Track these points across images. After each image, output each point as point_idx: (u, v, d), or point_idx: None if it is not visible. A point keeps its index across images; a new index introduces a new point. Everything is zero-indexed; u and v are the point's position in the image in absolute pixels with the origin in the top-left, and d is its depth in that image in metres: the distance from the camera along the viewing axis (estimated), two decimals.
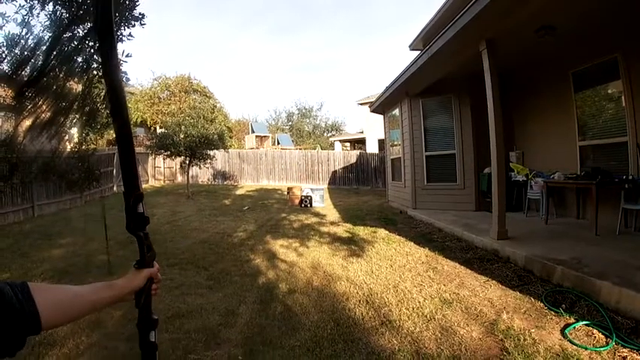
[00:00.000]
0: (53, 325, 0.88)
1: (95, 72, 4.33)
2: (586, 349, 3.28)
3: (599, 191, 6.28)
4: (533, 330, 3.70)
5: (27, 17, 3.75)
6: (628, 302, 3.79)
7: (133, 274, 1.09)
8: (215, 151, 17.78)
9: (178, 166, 20.45)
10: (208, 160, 16.92)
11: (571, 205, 8.02)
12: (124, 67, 4.59)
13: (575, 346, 3.34)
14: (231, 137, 28.95)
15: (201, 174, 22.96)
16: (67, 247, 7.57)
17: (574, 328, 3.66)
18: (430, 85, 9.96)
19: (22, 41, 3.84)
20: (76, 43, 4.06)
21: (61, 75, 4.00)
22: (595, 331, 3.55)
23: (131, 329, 3.87)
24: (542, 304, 4.25)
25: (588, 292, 4.26)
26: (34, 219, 10.69)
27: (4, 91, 4.05)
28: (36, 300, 0.82)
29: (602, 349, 3.25)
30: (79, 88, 4.35)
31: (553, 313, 4.02)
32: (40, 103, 3.86)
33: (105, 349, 3.53)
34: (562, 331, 3.62)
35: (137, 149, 17.89)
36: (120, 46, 4.49)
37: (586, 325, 3.68)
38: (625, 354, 3.13)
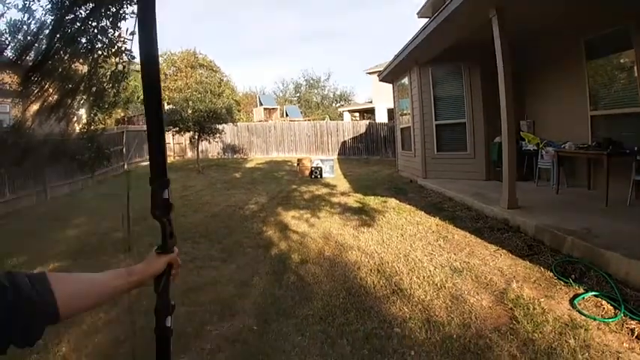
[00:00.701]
0: (72, 313, 0.90)
1: (100, 52, 4.33)
2: (594, 319, 3.32)
3: (610, 162, 6.21)
4: (542, 299, 3.75)
5: (28, 2, 3.74)
6: (637, 274, 3.81)
7: (154, 259, 1.09)
8: (224, 125, 17.78)
9: (188, 142, 20.46)
10: (217, 135, 16.96)
11: (582, 176, 7.97)
12: (128, 46, 4.57)
13: (583, 317, 3.39)
14: (239, 111, 28.85)
15: (211, 148, 22.97)
16: (81, 227, 7.70)
17: (583, 298, 3.70)
18: (439, 53, 9.79)
19: (24, 27, 3.84)
20: (79, 24, 4.05)
21: (66, 57, 4.00)
22: (604, 302, 3.58)
23: (148, 305, 3.98)
24: (551, 274, 4.29)
25: (598, 263, 4.28)
26: (48, 201, 10.81)
27: (10, 77, 4.07)
28: (54, 290, 0.83)
29: (610, 320, 3.29)
30: (85, 69, 4.35)
31: (562, 283, 4.06)
32: (46, 86, 3.88)
33: (123, 323, 3.64)
34: (571, 301, 3.67)
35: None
36: (123, 25, 4.47)
37: (595, 295, 3.71)
38: (633, 326, 3.17)
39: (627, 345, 2.95)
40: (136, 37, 3.76)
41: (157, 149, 1.05)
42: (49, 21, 3.93)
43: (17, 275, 0.81)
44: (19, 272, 0.83)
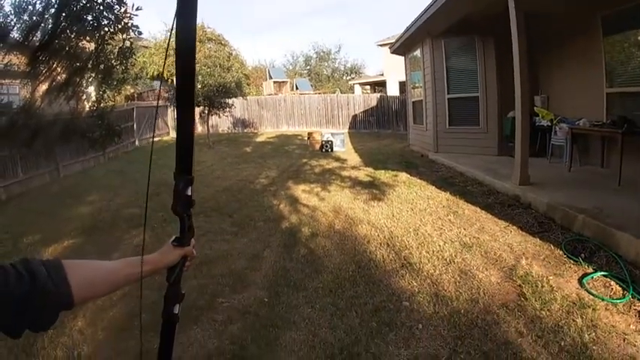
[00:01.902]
0: (85, 300, 0.93)
1: (106, 29, 4.31)
2: (602, 299, 3.33)
3: (624, 141, 6.11)
4: (551, 277, 3.76)
5: None
6: None
7: (169, 250, 1.10)
8: (233, 99, 17.70)
9: (198, 117, 20.43)
10: (227, 109, 16.89)
11: (595, 153, 7.86)
12: (134, 21, 4.55)
13: (591, 296, 3.40)
14: (248, 84, 28.58)
15: (221, 123, 22.88)
16: (93, 204, 7.80)
17: (592, 278, 3.70)
18: (453, 25, 9.57)
19: (29, 7, 3.83)
20: (84, 2, 4.02)
21: (72, 36, 3.98)
22: (612, 282, 3.58)
23: (160, 280, 4.06)
24: (561, 252, 4.29)
25: (608, 243, 4.26)
26: (60, 179, 10.90)
27: (18, 58, 4.06)
28: (69, 278, 0.85)
29: (618, 301, 3.29)
30: (92, 47, 4.34)
31: (572, 261, 4.06)
32: (54, 66, 3.87)
33: (137, 297, 3.72)
34: (580, 280, 3.68)
35: (156, 102, 17.61)
36: (129, 0, 4.44)
37: (604, 275, 3.71)
38: None
39: (634, 327, 2.96)
40: (141, 12, 3.70)
41: (186, 146, 1.03)
42: (54, 0, 3.91)
43: (33, 262, 0.83)
44: (35, 259, 0.85)
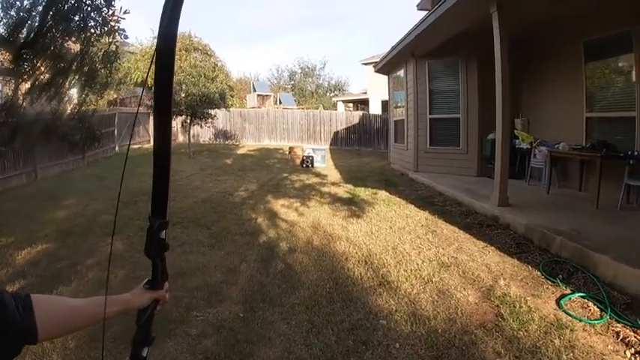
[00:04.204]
0: (51, 337, 0.93)
1: (93, 30, 4.24)
2: (580, 320, 3.33)
3: (603, 165, 6.23)
4: (529, 298, 3.75)
5: None
6: (624, 278, 3.83)
7: (141, 292, 1.07)
8: (216, 110, 17.60)
9: (179, 126, 20.18)
10: (209, 120, 16.74)
11: (574, 177, 7.99)
12: (121, 25, 4.48)
13: (569, 317, 3.40)
14: (232, 96, 28.56)
15: (203, 133, 22.71)
16: (70, 208, 7.59)
17: (570, 299, 3.71)
18: (437, 47, 9.74)
19: (17, 3, 3.75)
20: (72, 1, 3.96)
21: (58, 35, 3.91)
22: (590, 303, 3.60)
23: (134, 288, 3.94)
24: (539, 273, 4.30)
25: (586, 265, 4.30)
26: (38, 181, 10.63)
27: (2, 54, 3.97)
28: (36, 314, 0.84)
29: (596, 322, 3.30)
30: (77, 48, 4.27)
31: (550, 282, 4.08)
32: (38, 64, 3.79)
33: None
34: (557, 302, 3.68)
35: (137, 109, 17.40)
36: (117, 3, 4.38)
37: (582, 297, 3.72)
38: (618, 329, 3.18)
39: (612, 347, 2.96)
40: (129, 16, 3.63)
41: (161, 187, 0.99)
42: None
43: (4, 294, 0.83)
44: (6, 291, 0.84)
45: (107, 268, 4.37)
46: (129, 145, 16.66)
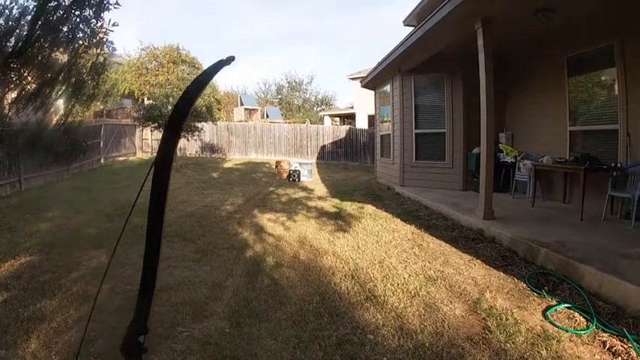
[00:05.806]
0: None
1: (81, 42, 4.22)
2: (567, 331, 3.35)
3: (587, 177, 6.32)
4: (515, 310, 3.76)
5: None
6: (610, 288, 3.86)
7: None
8: (203, 123, 17.60)
9: None
10: (196, 133, 16.70)
11: (558, 189, 8.10)
12: (110, 37, 4.47)
13: (556, 328, 3.41)
14: (219, 110, 28.61)
15: (189, 146, 22.70)
16: (54, 220, 7.48)
17: (556, 310, 3.73)
18: (423, 63, 9.87)
19: (6, 11, 3.73)
20: (61, 12, 3.94)
21: (47, 45, 3.89)
22: (576, 314, 3.62)
23: (119, 302, 3.87)
24: (525, 285, 4.32)
25: (571, 276, 4.33)
26: (21, 192, 10.49)
27: None
28: None
29: (582, 332, 3.32)
30: (65, 59, 4.24)
31: (536, 294, 4.10)
32: (25, 74, 3.76)
33: (93, 322, 3.52)
34: (544, 313, 3.70)
35: (125, 121, 17.60)
36: (106, 15, 4.38)
37: (568, 307, 3.75)
38: (605, 338, 3.20)
39: (599, 357, 2.98)
40: (118, 28, 3.61)
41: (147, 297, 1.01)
42: (31, 7, 3.81)
43: None
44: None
45: (94, 282, 4.29)
46: (101, 157, 16.48)
